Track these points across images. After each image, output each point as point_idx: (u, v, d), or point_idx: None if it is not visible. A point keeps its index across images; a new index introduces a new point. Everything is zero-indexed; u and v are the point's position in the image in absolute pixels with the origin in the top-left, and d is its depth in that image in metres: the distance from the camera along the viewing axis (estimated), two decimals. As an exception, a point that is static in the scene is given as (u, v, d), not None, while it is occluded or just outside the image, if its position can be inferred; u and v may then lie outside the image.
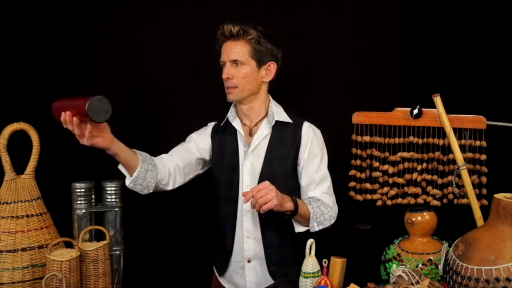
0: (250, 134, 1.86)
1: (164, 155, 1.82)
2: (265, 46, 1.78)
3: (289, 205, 1.65)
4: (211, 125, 1.95)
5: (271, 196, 1.58)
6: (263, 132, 1.83)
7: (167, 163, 1.78)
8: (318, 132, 1.88)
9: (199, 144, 1.89)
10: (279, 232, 1.81)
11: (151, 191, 1.73)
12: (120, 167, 1.71)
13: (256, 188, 1.61)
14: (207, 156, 1.90)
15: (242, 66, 1.77)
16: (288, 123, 1.85)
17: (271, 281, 1.79)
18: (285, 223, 1.77)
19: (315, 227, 1.73)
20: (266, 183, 1.62)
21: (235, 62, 1.77)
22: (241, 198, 1.80)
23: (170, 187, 1.81)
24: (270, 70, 1.82)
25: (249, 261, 1.83)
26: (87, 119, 1.48)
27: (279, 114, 1.85)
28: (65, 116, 1.49)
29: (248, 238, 1.82)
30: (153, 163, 1.73)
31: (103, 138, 1.56)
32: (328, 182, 1.84)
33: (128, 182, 1.69)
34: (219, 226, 1.89)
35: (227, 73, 1.78)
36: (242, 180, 1.82)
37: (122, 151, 1.63)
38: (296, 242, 1.82)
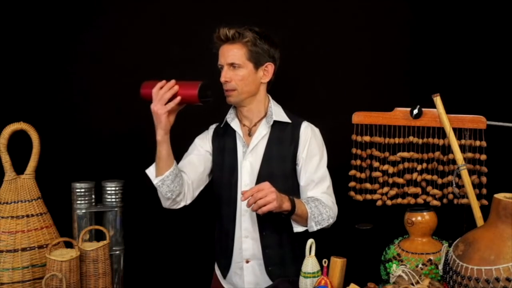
0: (249, 134, 1.86)
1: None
2: (261, 48, 1.78)
3: (286, 205, 1.65)
4: (212, 127, 1.96)
5: (271, 198, 1.58)
6: (262, 132, 1.83)
7: (183, 182, 1.78)
8: (317, 131, 1.87)
9: (201, 150, 1.89)
10: (277, 232, 1.81)
11: (173, 197, 1.74)
12: (148, 171, 1.74)
13: (256, 188, 1.61)
14: (210, 162, 1.90)
15: (239, 69, 1.77)
16: (287, 123, 1.84)
17: (269, 282, 1.79)
18: (283, 223, 1.77)
19: (313, 227, 1.73)
20: (267, 184, 1.61)
21: (232, 65, 1.77)
22: (240, 197, 1.80)
23: (182, 205, 1.81)
24: (268, 71, 1.82)
25: (247, 262, 1.83)
26: (192, 97, 1.64)
27: (278, 114, 1.85)
28: (169, 82, 1.65)
29: (246, 238, 1.82)
30: (181, 174, 1.76)
31: (170, 120, 1.67)
32: (327, 182, 1.83)
33: (157, 180, 1.71)
34: (221, 227, 1.90)
35: (225, 76, 1.78)
36: (241, 180, 1.82)
37: (169, 144, 1.69)
38: (294, 242, 1.82)
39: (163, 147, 1.67)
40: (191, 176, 1.82)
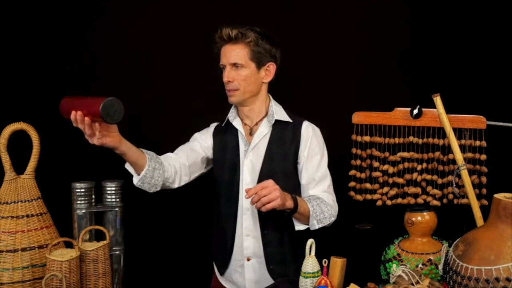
0: (251, 133, 1.87)
1: (169, 154, 1.83)
2: (263, 47, 1.79)
3: (289, 203, 1.65)
4: (213, 125, 1.97)
5: (275, 196, 1.59)
6: (263, 131, 1.84)
7: (173, 162, 1.79)
8: (318, 131, 1.88)
9: (202, 143, 1.90)
10: (279, 231, 1.82)
11: (158, 189, 1.74)
12: (127, 166, 1.71)
13: (260, 186, 1.61)
14: (210, 154, 1.91)
15: (242, 68, 1.77)
16: (288, 122, 1.85)
17: (270, 280, 1.79)
18: (285, 221, 1.77)
19: (315, 225, 1.73)
20: (271, 182, 1.62)
21: (234, 65, 1.78)
22: (241, 196, 1.81)
23: (176, 185, 1.81)
24: (270, 70, 1.83)
25: (248, 260, 1.84)
26: (99, 119, 1.47)
27: (279, 113, 1.86)
28: (76, 116, 1.48)
29: (247, 236, 1.82)
30: (160, 162, 1.74)
31: (112, 137, 1.56)
32: (328, 181, 1.84)
33: (136, 180, 1.69)
34: (220, 224, 1.90)
35: (228, 76, 1.78)
36: (242, 178, 1.83)
37: (130, 150, 1.63)
38: (295, 241, 1.82)
39: (127, 156, 1.63)
40: (189, 159, 1.83)
